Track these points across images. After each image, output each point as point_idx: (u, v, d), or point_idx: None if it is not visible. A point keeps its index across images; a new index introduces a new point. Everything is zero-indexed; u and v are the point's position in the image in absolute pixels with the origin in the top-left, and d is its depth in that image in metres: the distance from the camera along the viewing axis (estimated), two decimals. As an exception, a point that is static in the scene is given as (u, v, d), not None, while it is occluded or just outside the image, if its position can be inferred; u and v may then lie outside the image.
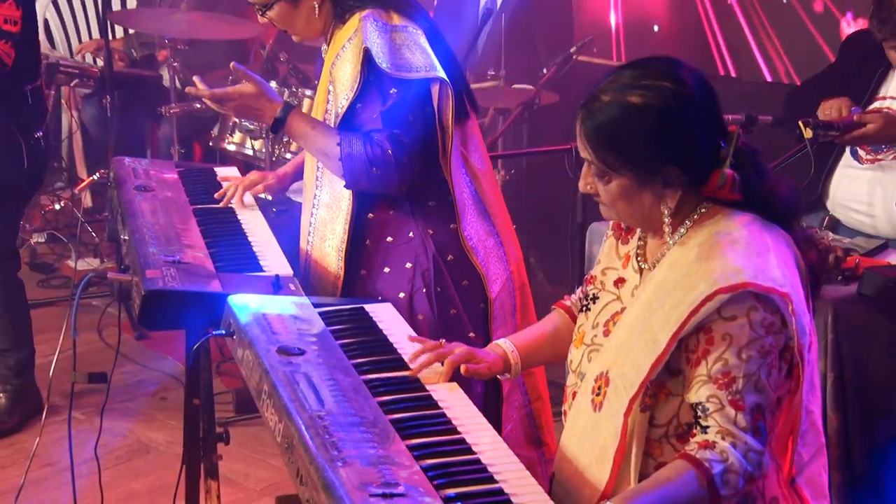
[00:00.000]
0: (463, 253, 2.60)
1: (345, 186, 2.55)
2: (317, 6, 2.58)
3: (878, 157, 3.38)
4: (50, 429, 3.18)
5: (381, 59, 2.46)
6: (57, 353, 3.28)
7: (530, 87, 4.25)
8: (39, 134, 3.86)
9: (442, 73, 2.51)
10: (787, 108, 3.50)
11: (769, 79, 4.92)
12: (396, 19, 2.53)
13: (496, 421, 2.56)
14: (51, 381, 3.29)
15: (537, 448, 2.63)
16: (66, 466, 2.70)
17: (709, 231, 1.86)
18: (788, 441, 1.89)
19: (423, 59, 2.50)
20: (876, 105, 3.39)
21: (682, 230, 1.89)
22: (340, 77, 2.53)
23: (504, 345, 2.16)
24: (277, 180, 2.92)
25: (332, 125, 2.56)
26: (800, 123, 3.34)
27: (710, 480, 1.72)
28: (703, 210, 1.89)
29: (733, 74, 4.97)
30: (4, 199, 3.84)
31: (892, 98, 3.39)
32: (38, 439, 3.01)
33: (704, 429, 1.76)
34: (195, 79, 2.72)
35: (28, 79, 3.76)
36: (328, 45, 2.62)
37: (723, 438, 1.74)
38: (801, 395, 1.85)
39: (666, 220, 1.89)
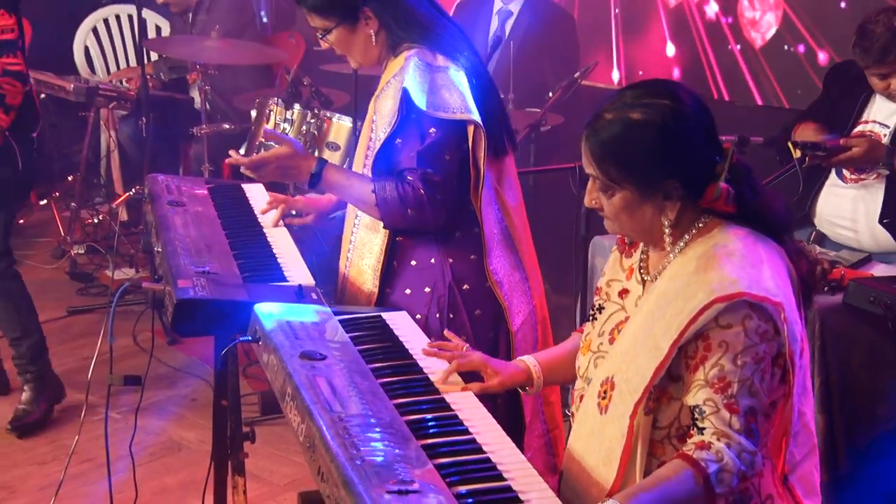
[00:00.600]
0: (479, 283, 2.56)
1: (384, 227, 2.53)
2: (373, 35, 2.55)
3: (862, 176, 3.38)
4: (88, 427, 3.17)
5: (420, 99, 2.43)
6: (95, 356, 3.28)
7: (537, 109, 4.25)
8: (34, 135, 3.85)
9: (476, 116, 2.47)
10: (782, 133, 3.50)
11: (760, 103, 4.91)
12: (441, 60, 2.50)
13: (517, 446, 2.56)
14: (89, 383, 3.29)
15: (553, 475, 2.61)
16: (103, 462, 2.69)
17: (707, 244, 1.86)
18: (782, 441, 1.88)
19: (459, 101, 2.46)
20: (860, 129, 3.39)
21: (682, 243, 1.89)
22: (382, 110, 2.51)
23: (528, 360, 2.16)
24: (315, 208, 2.89)
25: (374, 153, 2.53)
26: (789, 145, 3.36)
27: (706, 479, 1.72)
28: (700, 224, 1.89)
29: (727, 98, 4.97)
30: (5, 192, 3.82)
31: (875, 122, 3.39)
32: (77, 437, 3.02)
33: (701, 430, 1.75)
34: (231, 152, 2.70)
35: (14, 83, 3.72)
36: (383, 74, 2.60)
37: (718, 439, 1.74)
38: (794, 399, 1.85)
39: (666, 231, 1.88)
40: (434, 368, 2.14)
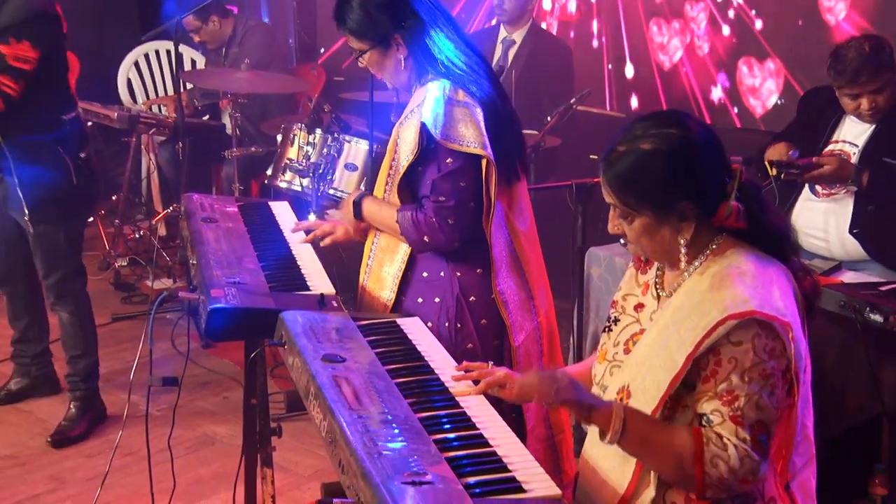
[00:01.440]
0: (485, 295, 2.55)
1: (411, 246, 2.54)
2: (402, 60, 2.54)
3: (832, 191, 3.38)
4: (131, 423, 3.17)
5: (436, 130, 2.42)
6: (136, 359, 3.28)
7: (536, 132, 4.24)
8: (83, 155, 3.83)
9: (489, 152, 2.45)
10: (759, 153, 3.50)
11: (738, 125, 4.91)
12: (461, 95, 2.48)
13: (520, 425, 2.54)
14: (131, 383, 3.29)
15: (557, 475, 2.59)
16: (144, 455, 2.69)
17: (721, 264, 1.84)
18: (783, 450, 1.85)
19: (474, 135, 2.44)
20: (831, 148, 3.39)
21: (697, 262, 1.87)
22: (405, 137, 2.49)
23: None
24: (345, 231, 2.83)
25: (396, 177, 2.53)
26: (766, 163, 3.36)
27: (699, 453, 1.71)
28: (715, 245, 1.87)
29: (708, 122, 4.96)
30: (62, 213, 3.80)
31: (844, 142, 3.39)
32: (120, 432, 3.02)
33: (719, 434, 1.74)
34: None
35: (65, 110, 3.73)
36: (410, 101, 2.58)
37: (730, 440, 1.72)
38: (798, 411, 1.83)
39: (683, 251, 1.86)
40: (445, 370, 2.12)
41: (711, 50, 4.96)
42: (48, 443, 3.83)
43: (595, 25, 5.38)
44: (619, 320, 2.02)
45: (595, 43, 5.39)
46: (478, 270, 2.54)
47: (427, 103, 2.45)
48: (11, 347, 4.12)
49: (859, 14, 4.41)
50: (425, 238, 2.48)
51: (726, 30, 4.88)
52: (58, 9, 3.66)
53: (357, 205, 2.60)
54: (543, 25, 5.35)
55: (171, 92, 6.23)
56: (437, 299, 2.53)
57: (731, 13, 4.86)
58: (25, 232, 3.80)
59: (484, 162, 2.46)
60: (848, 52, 3.20)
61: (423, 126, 2.44)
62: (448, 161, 2.45)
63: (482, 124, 2.47)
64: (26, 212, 3.68)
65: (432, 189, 2.46)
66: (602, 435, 1.79)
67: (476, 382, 2.04)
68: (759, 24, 4.76)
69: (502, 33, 4.84)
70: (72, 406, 3.92)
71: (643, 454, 1.80)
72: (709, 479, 1.73)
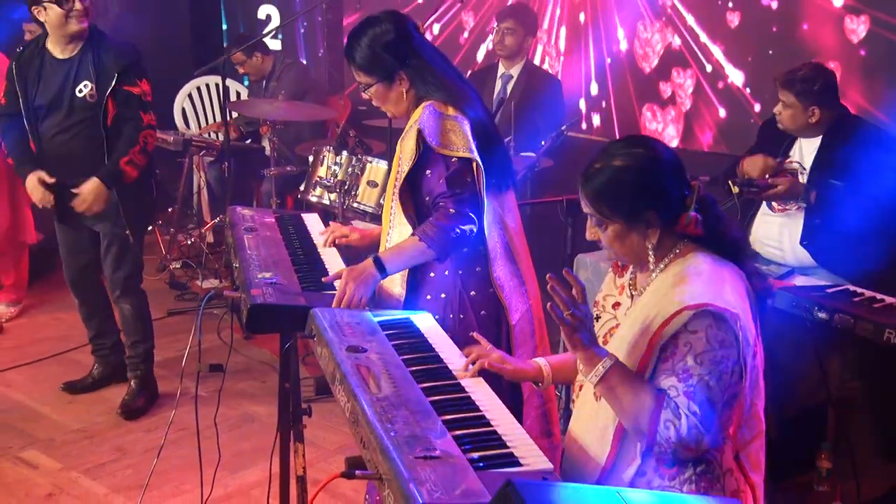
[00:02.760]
0: (484, 290, 2.53)
1: (437, 261, 2.48)
2: (404, 91, 2.53)
3: (787, 207, 3.38)
4: (182, 403, 3.19)
5: (431, 139, 2.43)
6: (188, 348, 3.27)
7: (532, 154, 4.23)
8: (157, 172, 3.95)
9: (475, 156, 2.45)
10: (724, 174, 3.50)
11: (706, 149, 4.89)
12: (451, 111, 2.47)
13: (517, 416, 2.52)
14: (183, 369, 3.30)
15: (548, 438, 2.58)
16: (194, 431, 2.69)
17: (682, 265, 1.85)
18: (734, 426, 1.85)
19: (462, 142, 2.44)
20: (785, 167, 3.38)
21: (662, 265, 1.88)
22: (405, 149, 2.49)
23: (541, 361, 2.14)
24: (360, 237, 2.83)
25: (400, 182, 2.50)
26: (729, 183, 3.36)
27: (655, 414, 1.72)
28: (677, 249, 1.88)
29: (680, 146, 4.94)
30: (141, 220, 3.87)
31: (796, 162, 3.40)
32: (174, 411, 3.02)
33: (678, 404, 1.73)
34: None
35: None
36: (407, 122, 2.58)
37: (685, 411, 1.72)
38: (747, 391, 1.82)
39: (651, 253, 1.87)
40: (453, 360, 2.12)
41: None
42: (118, 414, 3.85)
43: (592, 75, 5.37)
44: (599, 317, 2.03)
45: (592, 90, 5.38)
46: (477, 269, 2.54)
47: (424, 116, 2.46)
48: (91, 344, 4.10)
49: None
50: (452, 234, 2.40)
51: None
52: None
53: (377, 260, 2.47)
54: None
55: (219, 119, 6.25)
56: (442, 295, 2.52)
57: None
58: (97, 240, 3.82)
59: (473, 165, 2.47)
60: (802, 67, 3.27)
61: (419, 133, 2.44)
62: (453, 161, 2.45)
63: (469, 134, 2.47)
64: (126, 223, 3.70)
65: (448, 185, 2.44)
66: (586, 374, 1.79)
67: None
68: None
69: (501, 69, 4.83)
70: (132, 383, 3.95)
71: (611, 399, 1.79)
72: (659, 436, 1.72)
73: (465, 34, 5.87)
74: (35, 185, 3.67)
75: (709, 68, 4.79)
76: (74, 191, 3.63)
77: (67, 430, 3.76)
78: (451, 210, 2.42)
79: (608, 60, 5.20)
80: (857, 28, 4.22)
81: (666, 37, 4.94)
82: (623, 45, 5.14)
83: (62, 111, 3.59)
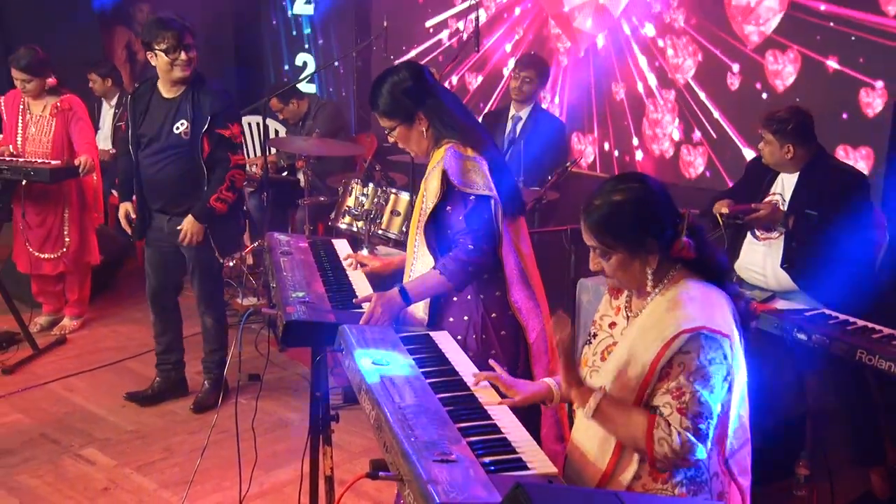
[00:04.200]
0: (503, 312, 2.52)
1: (455, 290, 2.47)
2: (424, 131, 2.54)
3: (770, 236, 3.36)
4: (224, 408, 3.19)
5: (454, 179, 2.43)
6: (228, 359, 3.29)
7: (539, 188, 4.24)
8: (245, 207, 4.11)
9: (494, 193, 2.46)
10: (710, 207, 3.50)
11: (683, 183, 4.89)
12: (469, 152, 2.48)
13: (536, 423, 2.49)
14: (225, 378, 3.31)
15: (561, 443, 2.56)
16: (234, 433, 2.70)
17: (675, 291, 1.84)
18: (723, 435, 1.84)
19: (482, 181, 2.45)
20: (768, 199, 3.39)
21: (658, 290, 1.87)
22: (429, 188, 2.49)
23: (550, 382, 2.11)
24: (381, 264, 2.82)
25: (425, 217, 2.50)
26: (717, 215, 3.36)
27: (649, 434, 1.72)
28: (672, 274, 1.87)
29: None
30: (229, 244, 3.93)
31: (778, 194, 3.41)
32: (216, 415, 3.03)
33: (668, 421, 1.73)
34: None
35: None
36: (429, 162, 2.58)
37: (675, 426, 1.71)
38: (734, 405, 1.82)
39: (649, 278, 1.86)
40: (468, 373, 2.11)
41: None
42: (190, 409, 3.90)
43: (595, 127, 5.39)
44: (596, 335, 2.02)
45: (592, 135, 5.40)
46: (496, 293, 2.52)
47: (447, 158, 2.46)
48: (157, 358, 4.09)
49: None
50: (469, 268, 2.42)
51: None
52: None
53: (403, 291, 2.45)
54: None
55: (259, 154, 6.30)
56: (465, 317, 2.51)
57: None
58: (183, 262, 3.87)
59: (492, 202, 2.46)
60: (782, 110, 3.31)
61: (444, 174, 2.44)
62: (471, 199, 2.44)
63: (487, 173, 2.48)
64: (216, 247, 3.79)
65: (467, 222, 2.44)
66: (580, 408, 1.80)
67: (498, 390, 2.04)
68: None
69: (511, 111, 4.85)
70: (206, 383, 3.99)
71: (609, 428, 1.80)
72: (656, 454, 1.72)
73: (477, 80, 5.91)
74: (122, 215, 3.89)
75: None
76: (178, 227, 3.76)
77: (122, 430, 3.77)
78: (470, 246, 2.42)
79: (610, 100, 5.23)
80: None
81: (663, 89, 4.96)
82: (620, 89, 5.17)
83: (159, 143, 3.72)
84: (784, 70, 4.44)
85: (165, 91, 3.72)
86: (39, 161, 4.40)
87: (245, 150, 6.44)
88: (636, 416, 1.75)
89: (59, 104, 4.52)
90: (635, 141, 5.13)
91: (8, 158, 4.47)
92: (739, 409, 1.86)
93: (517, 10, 5.65)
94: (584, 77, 5.34)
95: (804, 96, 4.25)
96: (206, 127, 3.66)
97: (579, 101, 5.38)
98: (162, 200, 3.78)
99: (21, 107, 4.55)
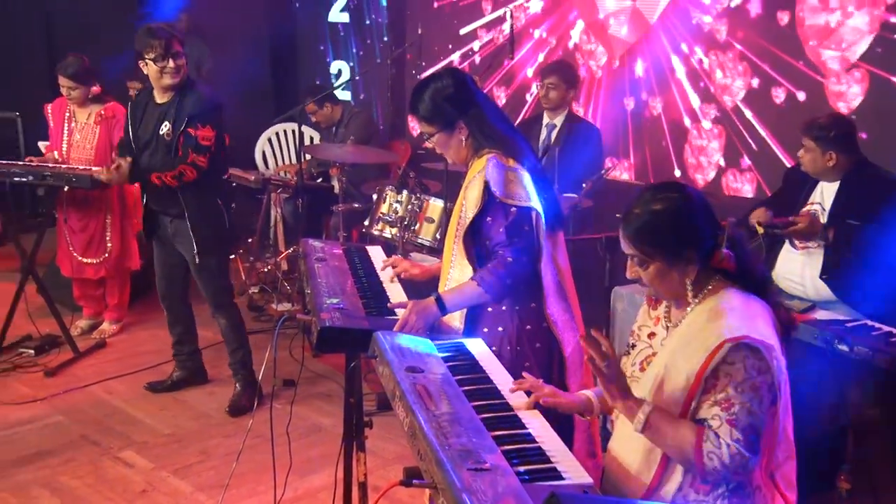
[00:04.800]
0: (538, 324, 2.49)
1: (493, 301, 2.45)
2: (463, 139, 2.51)
3: (808, 245, 3.31)
4: (259, 413, 3.21)
5: (496, 189, 2.41)
6: (263, 365, 3.30)
7: (575, 195, 4.21)
8: (233, 205, 4.04)
9: (537, 205, 2.44)
10: (749, 216, 3.45)
11: (727, 194, 4.82)
12: (511, 162, 2.46)
13: (568, 438, 2.45)
14: (260, 383, 3.32)
15: (592, 459, 2.52)
16: (269, 438, 2.71)
17: (715, 301, 1.82)
18: (768, 448, 1.81)
19: (524, 193, 2.43)
20: (806, 209, 3.34)
21: (697, 300, 1.84)
22: (469, 197, 2.47)
23: (589, 393, 2.09)
24: (420, 272, 2.80)
25: (464, 228, 2.48)
26: (755, 224, 3.32)
27: (699, 448, 1.69)
28: (711, 286, 1.84)
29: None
30: (219, 247, 3.97)
31: (818, 204, 3.34)
32: (251, 420, 3.05)
33: (718, 434, 1.70)
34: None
35: (223, 173, 3.98)
36: (468, 170, 2.56)
37: (727, 439, 1.69)
38: (780, 416, 1.79)
39: (689, 289, 1.84)
40: (502, 381, 2.09)
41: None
42: (226, 412, 3.95)
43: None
44: (635, 345, 2.00)
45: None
46: (532, 305, 2.50)
47: (489, 169, 2.44)
48: (172, 349, 4.23)
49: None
50: (508, 281, 2.39)
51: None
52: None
53: (439, 300, 2.42)
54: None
55: (294, 161, 6.34)
56: (500, 328, 2.48)
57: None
58: (185, 261, 3.94)
59: (533, 213, 2.44)
60: (823, 117, 3.27)
61: (486, 185, 2.42)
62: (512, 210, 2.42)
63: (529, 184, 2.46)
64: (195, 247, 3.81)
65: (507, 234, 2.41)
66: (630, 421, 1.77)
67: (529, 394, 2.01)
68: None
69: (546, 119, 4.83)
70: (237, 385, 4.05)
71: (658, 442, 1.77)
72: (706, 468, 1.70)
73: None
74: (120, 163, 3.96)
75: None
76: (170, 223, 3.87)
77: (159, 434, 3.81)
78: (509, 259, 2.40)
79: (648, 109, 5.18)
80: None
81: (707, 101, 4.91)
82: (658, 101, 5.12)
83: (151, 146, 3.85)
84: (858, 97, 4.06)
85: (158, 97, 3.85)
86: (82, 168, 4.48)
87: (282, 158, 6.52)
88: (684, 429, 1.72)
89: (103, 112, 4.60)
90: (677, 172, 5.07)
91: (52, 165, 4.56)
92: (784, 420, 1.82)
93: (541, 29, 5.62)
94: (617, 96, 5.29)
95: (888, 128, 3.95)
96: (182, 127, 3.75)
97: (613, 121, 5.32)
98: (159, 202, 3.89)
99: (67, 114, 4.65)
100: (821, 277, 3.23)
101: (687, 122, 4.96)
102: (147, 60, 3.73)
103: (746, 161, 4.70)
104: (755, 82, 4.60)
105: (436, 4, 6.32)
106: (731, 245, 1.84)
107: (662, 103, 5.06)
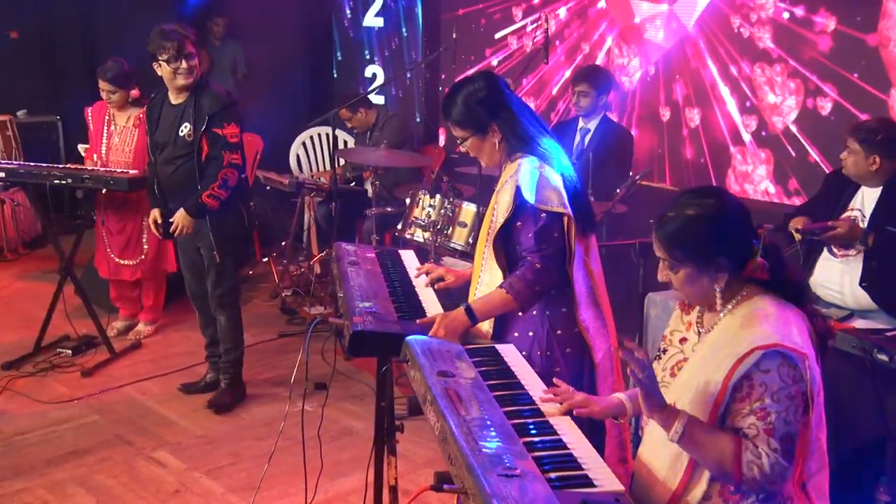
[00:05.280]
0: (569, 329, 2.46)
1: (521, 311, 2.44)
2: (497, 143, 2.50)
3: (847, 253, 3.26)
4: (290, 415, 3.22)
5: (529, 195, 2.39)
6: (296, 367, 3.32)
7: (608, 202, 4.19)
8: (252, 204, 4.07)
9: (569, 210, 2.42)
10: (787, 222, 3.41)
11: (759, 199, 4.76)
12: (544, 167, 2.45)
13: (599, 445, 2.42)
14: (292, 386, 3.35)
15: (623, 465, 2.50)
16: (300, 441, 2.72)
17: (749, 307, 1.80)
18: (801, 458, 1.78)
19: (557, 198, 2.41)
20: (846, 214, 3.29)
21: (730, 306, 1.83)
22: (501, 201, 2.46)
23: (621, 396, 2.08)
24: (454, 278, 2.79)
25: (495, 232, 2.47)
26: (792, 231, 3.28)
27: (737, 458, 1.67)
28: (744, 293, 1.83)
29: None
30: (236, 244, 4.02)
31: (857, 210, 3.29)
32: (283, 422, 3.06)
33: (755, 444, 1.69)
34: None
35: (242, 172, 3.94)
36: (501, 174, 2.55)
37: (766, 448, 1.67)
38: (813, 426, 1.76)
39: (718, 297, 1.82)
40: (533, 387, 2.09)
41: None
42: (206, 407, 4.01)
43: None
44: (666, 350, 1.98)
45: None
46: (563, 310, 2.48)
47: (521, 174, 2.43)
48: (206, 350, 4.27)
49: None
50: (536, 288, 2.38)
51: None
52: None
53: (468, 310, 2.41)
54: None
55: (328, 165, 6.39)
56: (530, 333, 2.47)
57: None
58: (206, 259, 3.98)
59: (565, 219, 2.43)
60: (873, 120, 3.26)
61: (518, 189, 2.41)
62: (542, 216, 2.40)
63: (562, 189, 2.44)
64: (214, 246, 3.85)
65: (536, 240, 2.40)
66: (666, 431, 1.75)
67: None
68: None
69: (580, 123, 4.82)
70: (222, 383, 4.11)
71: (694, 452, 1.75)
72: (745, 478, 1.68)
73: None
74: (150, 221, 4.06)
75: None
76: (170, 220, 3.93)
77: (192, 435, 3.86)
78: (538, 265, 2.38)
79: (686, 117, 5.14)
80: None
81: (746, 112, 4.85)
82: (696, 113, 5.07)
83: (169, 147, 3.90)
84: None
85: (173, 98, 3.90)
86: (119, 171, 4.55)
87: (316, 162, 6.57)
88: (721, 439, 1.71)
89: (141, 115, 4.67)
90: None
91: (90, 168, 4.64)
92: (817, 431, 1.80)
93: (574, 35, 5.61)
94: (653, 108, 5.25)
95: None
96: (204, 127, 3.79)
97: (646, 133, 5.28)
98: (178, 203, 3.93)
99: (106, 118, 4.74)
100: (860, 285, 3.18)
101: (727, 137, 4.88)
102: (160, 62, 3.79)
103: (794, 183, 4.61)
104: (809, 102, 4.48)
105: (461, 11, 6.32)
106: (765, 254, 1.82)
107: (700, 114, 5.02)
